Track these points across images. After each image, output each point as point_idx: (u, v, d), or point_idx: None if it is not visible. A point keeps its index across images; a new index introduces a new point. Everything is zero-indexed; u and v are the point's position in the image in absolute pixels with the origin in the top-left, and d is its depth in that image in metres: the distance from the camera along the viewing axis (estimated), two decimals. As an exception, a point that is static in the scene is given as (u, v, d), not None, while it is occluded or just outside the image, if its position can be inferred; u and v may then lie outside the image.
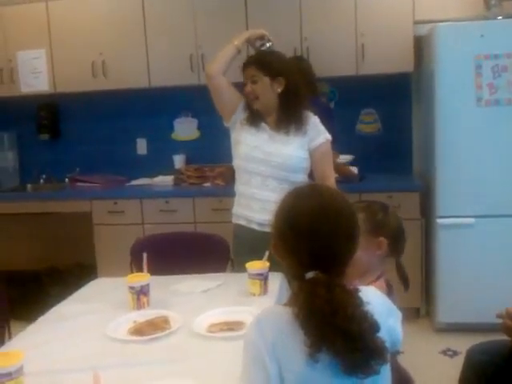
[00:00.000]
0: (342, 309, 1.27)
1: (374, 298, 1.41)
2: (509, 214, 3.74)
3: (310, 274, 1.33)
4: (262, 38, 2.85)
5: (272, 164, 2.73)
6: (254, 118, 2.79)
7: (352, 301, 1.31)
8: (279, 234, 1.40)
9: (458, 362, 2.33)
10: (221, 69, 2.78)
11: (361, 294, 1.34)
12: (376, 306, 1.36)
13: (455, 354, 3.53)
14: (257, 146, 2.75)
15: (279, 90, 2.75)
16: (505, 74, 3.62)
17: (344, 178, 3.90)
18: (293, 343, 1.30)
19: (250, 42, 2.87)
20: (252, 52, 2.95)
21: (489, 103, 3.66)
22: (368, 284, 1.88)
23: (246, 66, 2.79)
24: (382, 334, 1.32)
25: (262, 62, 2.76)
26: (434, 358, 3.53)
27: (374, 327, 1.30)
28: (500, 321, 1.84)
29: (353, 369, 1.27)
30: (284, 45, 3.70)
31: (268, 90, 2.75)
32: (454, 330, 3.79)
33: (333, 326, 1.26)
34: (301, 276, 1.34)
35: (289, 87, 2.75)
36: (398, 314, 1.50)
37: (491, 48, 3.62)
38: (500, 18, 3.77)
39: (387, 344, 1.33)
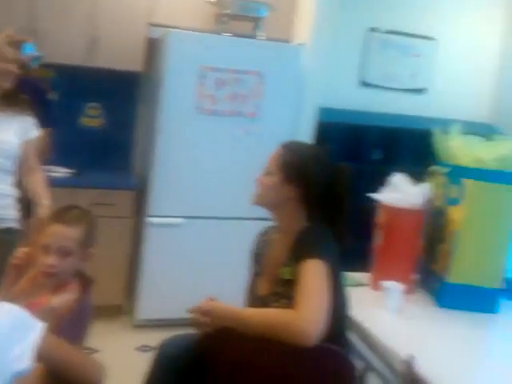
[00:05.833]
0: None
1: None
2: (213, 216, 4.00)
3: None
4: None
5: None
6: None
7: None
8: None
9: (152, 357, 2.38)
10: None
11: None
12: None
13: (150, 349, 3.61)
14: None
15: None
16: (226, 87, 3.86)
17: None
18: None
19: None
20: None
21: (209, 112, 3.87)
22: (59, 289, 1.84)
23: None
24: None
25: None
26: (129, 354, 3.55)
27: None
28: (191, 316, 1.93)
29: None
30: (8, 22, 3.37)
31: None
32: (152, 326, 3.88)
33: None
34: None
35: None
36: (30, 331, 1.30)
37: (216, 61, 3.83)
38: (227, 34, 3.98)
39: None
